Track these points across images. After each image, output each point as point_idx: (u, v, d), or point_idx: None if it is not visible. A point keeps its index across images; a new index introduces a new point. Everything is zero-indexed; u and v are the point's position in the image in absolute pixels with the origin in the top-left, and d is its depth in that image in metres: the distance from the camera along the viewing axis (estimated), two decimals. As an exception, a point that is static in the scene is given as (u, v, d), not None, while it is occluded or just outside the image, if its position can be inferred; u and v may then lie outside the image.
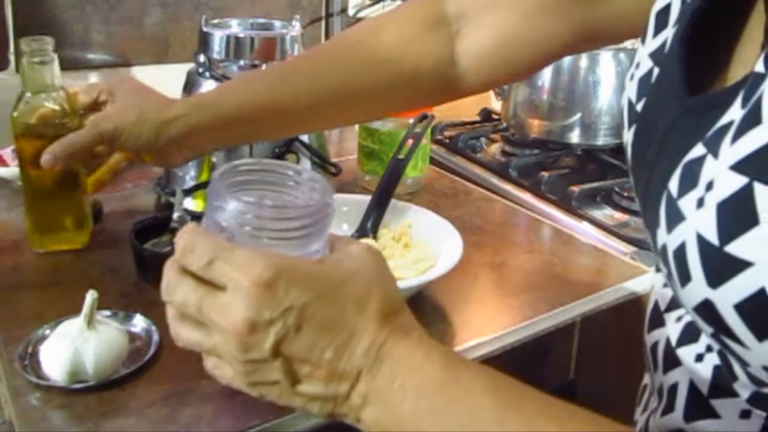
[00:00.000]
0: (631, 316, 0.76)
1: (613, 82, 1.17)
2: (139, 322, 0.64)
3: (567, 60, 1.17)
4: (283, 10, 1.28)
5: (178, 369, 0.60)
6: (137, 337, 0.63)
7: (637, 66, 0.52)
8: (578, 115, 1.18)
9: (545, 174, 1.08)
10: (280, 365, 0.40)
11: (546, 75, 1.19)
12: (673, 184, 0.42)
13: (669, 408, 0.49)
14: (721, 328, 0.39)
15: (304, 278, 0.40)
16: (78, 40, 1.10)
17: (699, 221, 0.38)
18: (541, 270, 0.82)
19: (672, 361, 0.49)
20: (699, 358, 0.46)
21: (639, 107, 0.50)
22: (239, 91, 0.70)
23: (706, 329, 0.40)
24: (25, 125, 0.74)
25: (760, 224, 0.35)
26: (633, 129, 0.51)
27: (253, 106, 0.68)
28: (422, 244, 0.77)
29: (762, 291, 0.35)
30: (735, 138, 0.37)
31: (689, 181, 0.40)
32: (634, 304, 0.78)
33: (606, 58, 1.17)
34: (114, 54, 1.15)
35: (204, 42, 0.88)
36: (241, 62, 0.89)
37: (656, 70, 0.49)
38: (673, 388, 0.49)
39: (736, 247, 0.36)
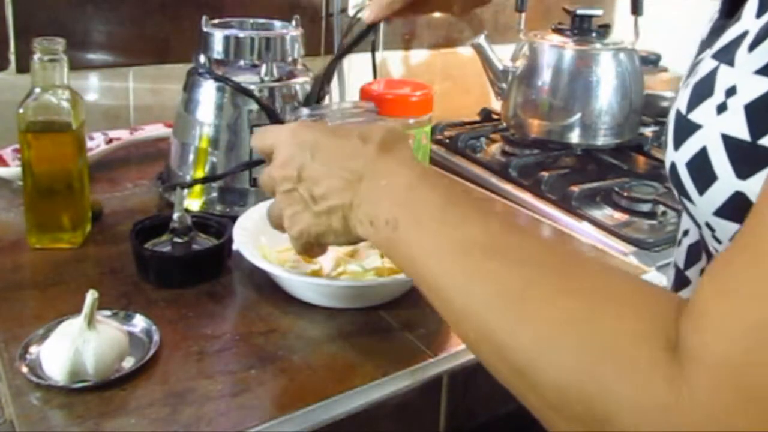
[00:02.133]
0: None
1: (613, 82, 1.17)
2: (139, 322, 0.65)
3: (567, 60, 1.17)
4: (283, 10, 1.27)
5: (178, 369, 0.60)
6: (137, 337, 0.63)
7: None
8: (578, 115, 1.18)
9: (545, 174, 1.08)
10: (305, 189, 0.54)
11: (546, 75, 1.19)
12: (682, 82, 0.49)
13: None
14: (680, 188, 0.45)
15: (321, 127, 0.57)
16: (78, 40, 1.10)
17: (680, 99, 0.45)
18: (540, 270, 0.82)
19: (681, 282, 0.56)
20: (701, 272, 0.52)
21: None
22: None
23: (676, 194, 0.47)
24: (30, 122, 0.75)
25: (714, 95, 0.42)
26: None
27: None
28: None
29: (704, 148, 0.42)
30: (723, 35, 0.44)
31: (689, 75, 0.48)
32: (634, 304, 0.78)
33: (606, 58, 1.17)
34: (114, 54, 1.15)
35: (204, 42, 0.88)
36: (241, 62, 0.89)
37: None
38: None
39: (694, 114, 0.43)
